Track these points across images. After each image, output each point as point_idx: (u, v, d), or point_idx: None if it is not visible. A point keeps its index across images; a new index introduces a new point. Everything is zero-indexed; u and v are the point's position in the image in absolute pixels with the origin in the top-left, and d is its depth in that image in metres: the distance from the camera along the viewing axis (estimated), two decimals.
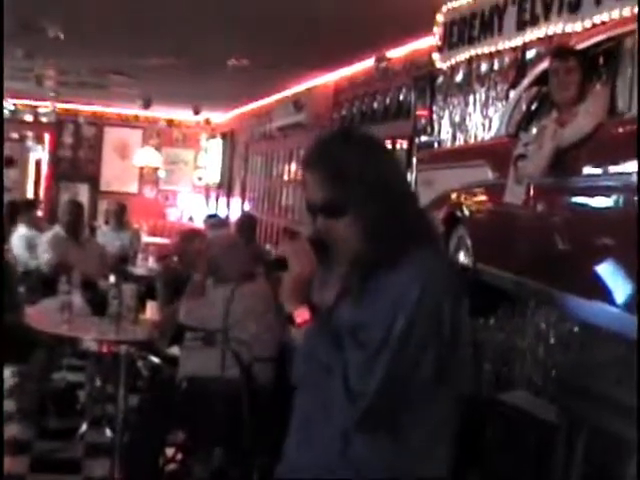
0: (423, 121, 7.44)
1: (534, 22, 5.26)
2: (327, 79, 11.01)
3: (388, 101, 8.84)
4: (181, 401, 5.69)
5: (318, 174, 2.38)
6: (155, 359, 6.94)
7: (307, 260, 2.37)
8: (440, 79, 7.04)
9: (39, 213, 14.00)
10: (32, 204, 12.11)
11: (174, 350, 6.45)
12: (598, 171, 3.81)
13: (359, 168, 2.35)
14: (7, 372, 7.76)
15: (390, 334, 2.22)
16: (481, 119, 6.29)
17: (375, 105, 9.22)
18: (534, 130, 4.52)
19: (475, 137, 6.38)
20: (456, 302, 2.35)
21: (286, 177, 12.99)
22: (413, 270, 2.28)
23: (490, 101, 6.17)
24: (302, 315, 2.37)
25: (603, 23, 4.49)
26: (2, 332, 6.06)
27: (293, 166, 12.51)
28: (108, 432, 6.78)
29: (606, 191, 3.63)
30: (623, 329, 3.49)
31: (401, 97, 8.45)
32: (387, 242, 2.32)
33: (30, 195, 19.39)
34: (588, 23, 4.67)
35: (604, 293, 3.57)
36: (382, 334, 2.22)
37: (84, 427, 6.91)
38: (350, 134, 2.54)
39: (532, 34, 5.32)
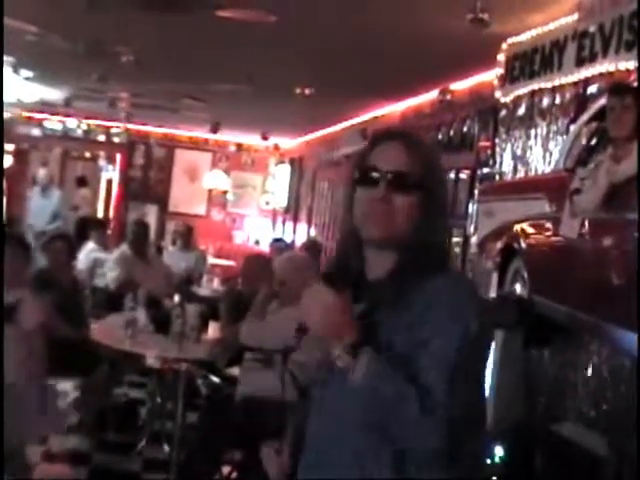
0: (485, 153, 7.50)
1: (593, 59, 5.30)
2: (393, 109, 11.06)
3: (452, 132, 8.88)
4: (238, 420, 5.79)
5: (405, 145, 2.33)
6: (215, 378, 7.06)
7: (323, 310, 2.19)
8: (503, 112, 7.10)
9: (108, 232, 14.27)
10: (104, 224, 12.37)
11: (234, 370, 6.56)
12: None
13: (435, 159, 2.42)
14: (70, 385, 7.95)
15: (463, 345, 2.15)
16: (542, 152, 6.34)
17: (439, 136, 9.28)
18: (591, 165, 4.57)
19: (536, 170, 6.43)
20: None
21: None
22: (462, 284, 2.34)
23: (551, 135, 6.22)
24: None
25: None
26: None
27: None
28: (166, 448, 6.90)
29: None
30: None
31: (465, 129, 8.50)
32: (442, 235, 2.42)
33: (100, 214, 19.73)
34: None
35: None
36: (456, 344, 2.15)
37: (143, 442, 7.04)
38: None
39: (590, 70, 5.37)
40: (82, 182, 19.09)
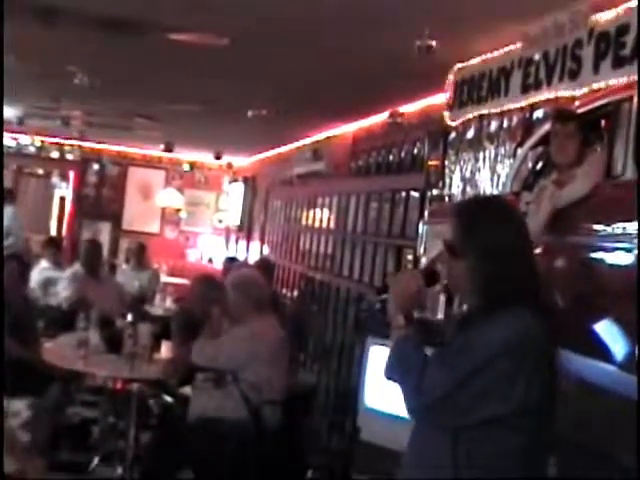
0: (435, 174, 7.58)
1: (538, 86, 5.39)
2: (346, 129, 11.14)
3: (403, 154, 8.97)
4: (191, 440, 5.82)
5: (454, 222, 2.97)
6: (167, 398, 7.08)
7: (404, 284, 3.00)
8: (452, 135, 7.18)
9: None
10: (56, 242, 12.28)
11: (186, 390, 6.59)
12: (593, 231, 3.93)
13: (478, 231, 2.92)
14: (22, 405, 7.92)
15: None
16: (490, 175, 6.42)
17: (390, 157, 9.38)
18: (536, 189, 4.66)
19: (484, 193, 6.51)
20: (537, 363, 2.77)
21: (304, 223, 13.11)
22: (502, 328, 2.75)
23: (499, 158, 6.31)
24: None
25: (602, 89, 4.64)
26: None
27: (311, 212, 12.62)
28: (119, 468, 6.90)
29: (601, 251, 3.79)
30: (621, 388, 3.53)
31: (415, 150, 8.59)
32: (489, 293, 2.85)
33: (53, 231, 19.61)
34: (586, 89, 4.78)
35: (601, 351, 3.67)
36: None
37: (95, 462, 7.03)
38: (483, 203, 3.25)
39: (536, 97, 5.46)
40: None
